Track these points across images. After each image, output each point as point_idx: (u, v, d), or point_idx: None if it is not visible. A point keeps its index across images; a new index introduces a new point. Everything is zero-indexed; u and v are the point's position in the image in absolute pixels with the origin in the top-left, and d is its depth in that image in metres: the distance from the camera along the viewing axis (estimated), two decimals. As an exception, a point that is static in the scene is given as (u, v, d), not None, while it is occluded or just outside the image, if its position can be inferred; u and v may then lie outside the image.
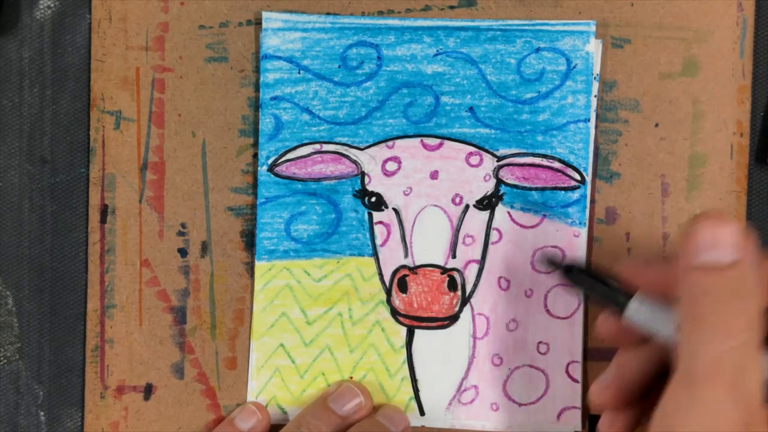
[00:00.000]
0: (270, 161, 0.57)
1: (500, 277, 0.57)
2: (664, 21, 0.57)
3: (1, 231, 0.58)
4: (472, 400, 0.57)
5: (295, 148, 0.57)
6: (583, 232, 0.56)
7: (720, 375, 0.40)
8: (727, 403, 0.40)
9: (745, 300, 0.41)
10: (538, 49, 0.56)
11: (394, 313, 0.57)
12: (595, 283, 0.49)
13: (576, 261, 0.55)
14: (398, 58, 0.57)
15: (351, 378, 0.57)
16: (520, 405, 0.57)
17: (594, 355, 0.57)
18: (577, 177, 0.56)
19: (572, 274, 0.50)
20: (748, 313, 0.40)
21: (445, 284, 0.56)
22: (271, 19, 0.57)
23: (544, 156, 0.56)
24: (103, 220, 0.58)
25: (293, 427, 0.55)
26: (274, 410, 0.57)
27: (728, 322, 0.40)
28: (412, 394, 0.57)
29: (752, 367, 0.40)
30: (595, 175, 0.57)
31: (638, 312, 0.47)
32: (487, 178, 0.57)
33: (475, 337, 0.57)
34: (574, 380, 0.57)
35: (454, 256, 0.57)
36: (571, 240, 0.56)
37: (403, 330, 0.57)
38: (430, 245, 0.57)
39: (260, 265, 0.57)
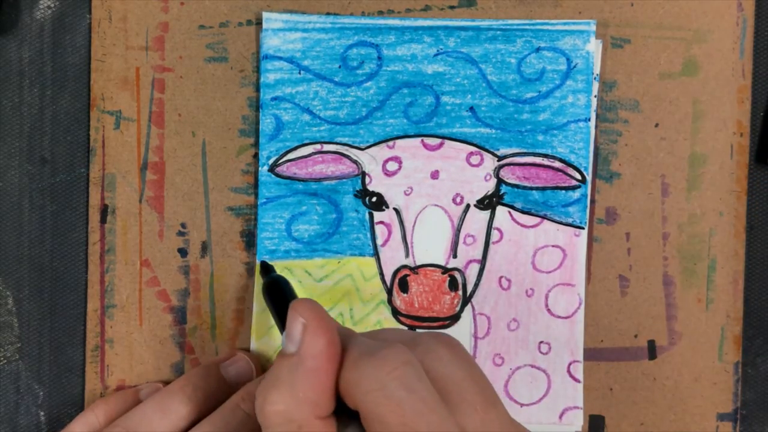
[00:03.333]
0: (271, 161, 0.57)
1: (501, 277, 0.57)
2: (664, 21, 0.57)
3: (1, 231, 0.58)
4: (473, 400, 0.57)
5: (295, 148, 0.57)
6: (584, 231, 0.57)
7: None
8: None
9: (293, 385, 0.42)
10: (538, 49, 0.56)
11: (395, 313, 0.57)
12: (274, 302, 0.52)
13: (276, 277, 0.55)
14: (399, 58, 0.57)
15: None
16: (521, 405, 0.57)
17: (595, 354, 0.57)
18: (578, 176, 0.56)
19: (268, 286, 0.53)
20: (295, 397, 0.41)
21: (446, 284, 0.56)
22: (272, 20, 0.57)
23: (545, 155, 0.56)
24: (103, 220, 0.57)
25: (181, 382, 0.54)
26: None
27: (274, 405, 0.42)
28: (412, 394, 0.57)
29: None
30: (595, 175, 0.57)
31: None
32: (488, 177, 0.57)
33: (476, 337, 0.57)
34: (576, 380, 0.57)
35: (455, 256, 0.57)
36: (572, 240, 0.56)
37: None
38: (431, 245, 0.57)
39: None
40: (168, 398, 0.53)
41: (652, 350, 0.57)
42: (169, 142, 0.57)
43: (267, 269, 0.56)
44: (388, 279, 0.57)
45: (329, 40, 0.57)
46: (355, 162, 0.57)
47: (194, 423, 0.53)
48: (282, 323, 0.50)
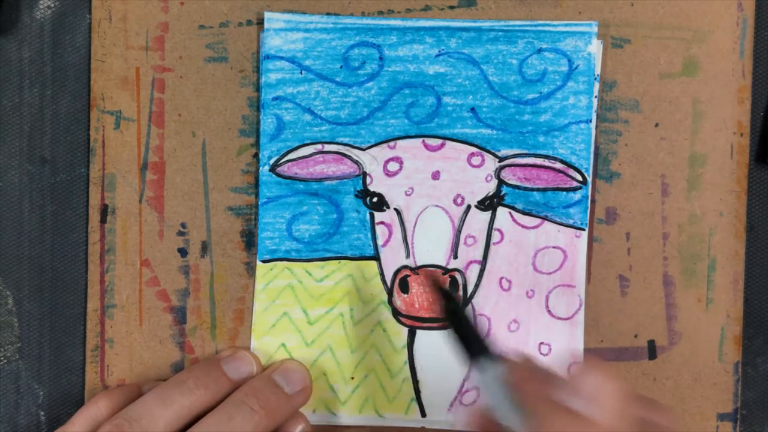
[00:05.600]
0: (272, 161, 0.57)
1: (501, 278, 0.57)
2: (664, 21, 0.57)
3: (1, 231, 0.58)
4: (474, 401, 0.57)
5: (296, 148, 0.57)
6: (584, 233, 0.57)
7: None
8: None
9: None
10: (539, 50, 0.56)
11: (396, 313, 0.57)
12: (466, 327, 0.49)
13: (458, 303, 0.55)
14: (400, 59, 0.57)
15: (352, 378, 0.57)
16: (522, 406, 0.57)
17: (595, 354, 0.57)
18: (579, 178, 0.56)
19: (452, 313, 0.50)
20: None
21: (447, 285, 0.56)
22: (273, 20, 0.56)
23: (546, 157, 0.56)
24: (103, 220, 0.57)
25: (182, 376, 0.54)
26: (275, 410, 0.57)
27: None
28: (413, 395, 0.57)
29: None
30: (595, 175, 0.57)
31: (483, 374, 0.47)
32: (489, 178, 0.57)
33: (477, 338, 0.57)
34: (576, 381, 0.57)
35: (455, 257, 0.57)
36: (572, 241, 0.57)
37: (405, 331, 0.57)
38: (431, 246, 0.57)
39: (262, 265, 0.57)
40: (169, 389, 0.53)
41: (652, 350, 0.57)
42: (169, 142, 0.57)
43: (447, 296, 0.53)
44: (388, 279, 0.57)
45: (331, 40, 0.56)
46: (356, 162, 0.57)
47: (196, 417, 0.53)
48: (469, 353, 0.49)
